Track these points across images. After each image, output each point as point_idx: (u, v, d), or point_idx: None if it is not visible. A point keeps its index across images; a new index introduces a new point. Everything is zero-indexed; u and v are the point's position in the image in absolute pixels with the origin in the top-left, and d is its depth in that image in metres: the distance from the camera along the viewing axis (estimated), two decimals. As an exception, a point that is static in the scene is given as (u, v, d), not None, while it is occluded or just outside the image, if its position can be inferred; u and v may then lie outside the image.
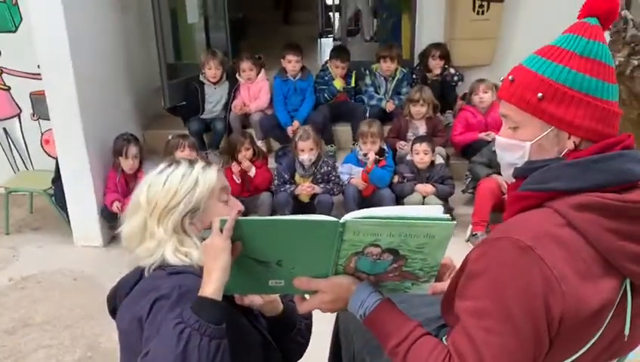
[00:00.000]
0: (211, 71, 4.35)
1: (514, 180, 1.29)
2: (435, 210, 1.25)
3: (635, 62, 4.13)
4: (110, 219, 3.79)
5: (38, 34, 3.39)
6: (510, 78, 1.23)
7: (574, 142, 1.19)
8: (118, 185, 3.82)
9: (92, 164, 3.67)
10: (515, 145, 1.24)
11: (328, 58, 4.59)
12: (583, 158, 1.15)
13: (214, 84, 4.41)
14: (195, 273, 1.30)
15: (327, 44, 8.71)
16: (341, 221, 1.18)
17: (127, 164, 3.78)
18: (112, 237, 3.93)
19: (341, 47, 4.74)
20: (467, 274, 1.17)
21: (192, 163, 1.45)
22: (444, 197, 3.79)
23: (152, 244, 1.36)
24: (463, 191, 4.06)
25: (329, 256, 1.26)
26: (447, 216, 1.23)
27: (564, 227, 1.11)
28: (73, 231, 3.84)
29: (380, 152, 3.78)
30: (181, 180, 1.39)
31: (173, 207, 1.36)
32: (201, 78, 4.42)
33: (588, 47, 1.17)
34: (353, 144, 4.45)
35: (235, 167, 3.77)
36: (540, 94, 1.16)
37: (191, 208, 1.38)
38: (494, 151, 3.85)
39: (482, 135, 4.12)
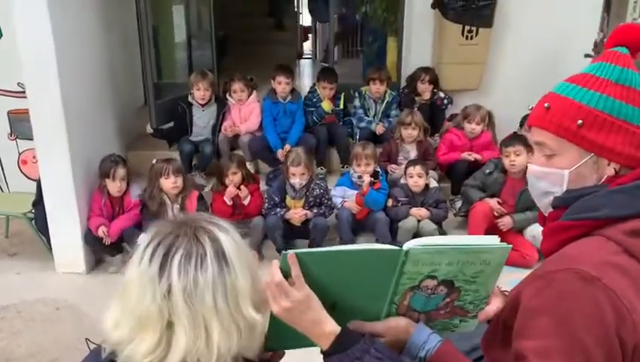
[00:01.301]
0: (200, 92, 4.24)
1: (550, 209, 1.27)
2: (490, 238, 1.23)
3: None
4: (95, 244, 3.64)
5: (24, 51, 3.25)
6: (546, 105, 1.21)
7: (614, 168, 1.18)
8: (103, 208, 3.68)
9: (77, 186, 3.52)
10: (553, 174, 1.23)
11: (316, 80, 4.56)
12: (628, 185, 1.14)
13: (202, 105, 4.30)
14: None
15: (305, 64, 8.78)
16: (404, 249, 1.13)
17: (115, 187, 3.65)
18: (95, 264, 3.78)
19: (329, 68, 4.72)
20: (526, 311, 1.12)
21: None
22: (438, 221, 3.78)
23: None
24: (455, 215, 4.06)
25: (386, 291, 1.20)
26: (503, 243, 1.20)
27: (621, 254, 1.08)
28: (55, 257, 3.66)
29: (375, 175, 3.75)
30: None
31: None
32: (190, 98, 4.31)
33: (622, 75, 1.17)
34: (342, 167, 4.42)
35: (229, 191, 3.67)
36: (579, 121, 1.16)
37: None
38: (487, 174, 3.90)
39: (464, 154, 4.14)
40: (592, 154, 1.18)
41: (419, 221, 3.71)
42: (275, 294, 1.13)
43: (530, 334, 1.09)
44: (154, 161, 3.69)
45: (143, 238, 1.12)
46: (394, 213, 3.75)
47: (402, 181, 3.87)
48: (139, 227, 3.65)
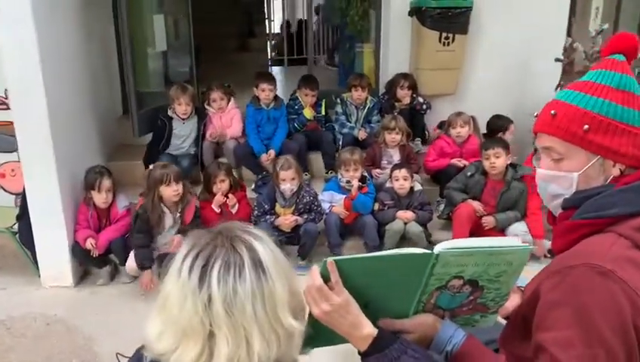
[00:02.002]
0: (182, 107, 4.18)
1: (560, 211, 1.35)
2: (513, 240, 1.31)
3: (589, 92, 4.42)
4: (82, 256, 3.59)
5: (9, 61, 3.19)
6: (552, 112, 1.30)
7: (620, 169, 1.27)
8: (90, 220, 3.63)
9: (63, 198, 3.46)
10: (562, 177, 1.31)
11: (297, 87, 4.61)
12: (635, 184, 1.23)
13: (184, 119, 4.27)
14: None
15: (277, 71, 8.81)
16: (435, 252, 1.19)
17: (101, 198, 3.61)
18: (81, 277, 3.72)
19: (310, 75, 4.77)
20: (545, 305, 1.19)
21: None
22: (423, 223, 3.87)
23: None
24: (439, 217, 4.16)
25: (415, 292, 1.26)
26: (526, 244, 1.28)
27: (633, 249, 1.16)
28: (41, 271, 3.59)
29: (362, 179, 3.82)
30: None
31: None
32: (170, 113, 4.24)
33: (622, 80, 1.27)
34: (327, 172, 4.47)
35: (217, 199, 3.67)
36: (586, 126, 1.24)
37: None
38: (469, 177, 4.01)
39: (454, 160, 4.25)
40: (599, 156, 1.26)
41: (405, 223, 3.80)
42: (315, 298, 1.19)
43: (550, 326, 1.16)
44: (151, 167, 3.63)
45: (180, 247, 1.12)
46: (381, 216, 3.83)
47: (388, 185, 3.95)
48: (127, 238, 3.62)
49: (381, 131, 4.20)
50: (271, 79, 4.39)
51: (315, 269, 1.20)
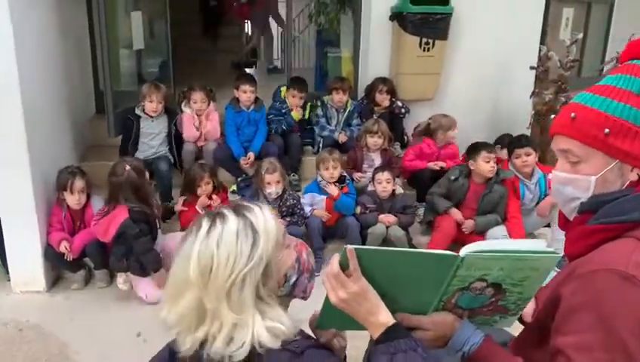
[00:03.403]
0: (153, 104, 4.06)
1: (575, 214, 1.33)
2: (539, 243, 1.28)
3: (563, 99, 4.55)
4: (56, 260, 3.46)
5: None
6: (572, 115, 1.28)
7: (638, 173, 1.26)
8: (63, 222, 3.50)
9: (37, 200, 3.33)
10: (579, 180, 1.29)
11: (286, 89, 4.54)
12: None
13: (152, 117, 4.14)
14: (311, 345, 1.17)
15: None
16: (461, 255, 1.17)
17: (73, 200, 3.47)
18: (54, 281, 3.58)
19: (299, 77, 4.72)
20: (566, 309, 1.18)
21: (237, 210, 1.20)
22: (405, 227, 3.88)
23: (226, 329, 1.11)
24: (420, 222, 4.17)
25: (437, 291, 1.24)
26: (552, 249, 1.26)
27: None
28: (11, 276, 3.43)
29: (341, 179, 3.82)
30: (238, 239, 1.14)
31: (242, 277, 1.12)
32: (137, 111, 4.10)
33: None
34: (289, 174, 4.40)
35: (202, 201, 3.60)
36: (607, 130, 1.23)
37: (262, 271, 1.15)
38: (452, 181, 4.03)
39: (431, 164, 4.28)
40: (617, 160, 1.24)
41: (387, 227, 3.79)
42: (333, 285, 1.20)
43: (570, 330, 1.14)
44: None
45: None
46: (363, 219, 3.82)
47: (370, 188, 3.95)
48: (101, 243, 3.49)
49: (363, 134, 4.20)
50: (252, 81, 4.33)
51: (335, 257, 1.20)
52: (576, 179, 1.29)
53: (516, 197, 3.86)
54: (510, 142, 4.10)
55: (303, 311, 1.34)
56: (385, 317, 1.19)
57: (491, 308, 1.33)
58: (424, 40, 4.49)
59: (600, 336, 1.10)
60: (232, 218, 1.17)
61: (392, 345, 1.14)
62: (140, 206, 3.29)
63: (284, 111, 4.43)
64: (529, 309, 1.43)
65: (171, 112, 4.27)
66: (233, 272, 1.11)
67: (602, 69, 5.77)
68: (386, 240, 3.82)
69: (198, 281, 1.12)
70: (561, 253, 1.26)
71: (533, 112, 4.73)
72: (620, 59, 1.40)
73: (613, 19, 6.45)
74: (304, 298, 1.41)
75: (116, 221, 3.27)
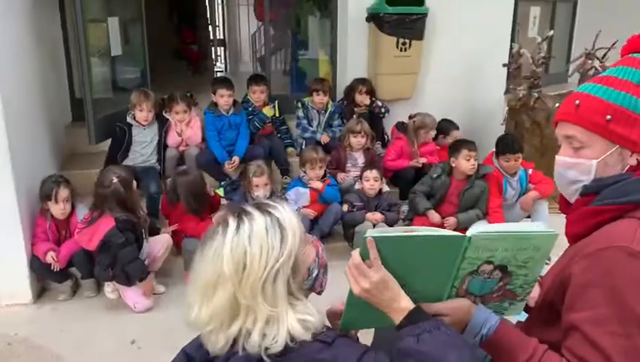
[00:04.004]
0: (143, 113, 4.03)
1: (577, 197, 1.41)
2: (539, 225, 1.36)
3: (536, 95, 4.69)
4: (42, 271, 3.40)
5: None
6: (577, 102, 1.36)
7: (637, 158, 1.34)
8: (48, 232, 3.44)
9: (21, 210, 3.26)
10: (581, 164, 1.37)
11: (247, 88, 4.57)
12: None
13: (144, 126, 4.11)
14: (340, 335, 1.21)
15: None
16: (468, 235, 1.23)
17: (58, 209, 3.42)
18: (40, 292, 3.51)
19: (257, 74, 4.77)
20: (577, 286, 1.24)
21: (260, 208, 1.24)
22: (391, 224, 3.94)
23: (260, 323, 1.15)
24: (403, 220, 4.24)
25: (449, 275, 1.30)
26: (552, 229, 1.33)
27: None
28: (-4, 289, 3.36)
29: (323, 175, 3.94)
30: (267, 235, 1.18)
31: (275, 272, 1.16)
32: (129, 119, 4.07)
33: None
34: (283, 178, 4.45)
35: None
36: (608, 117, 1.31)
37: (292, 265, 1.19)
38: (435, 178, 4.11)
39: (412, 162, 4.37)
40: (618, 146, 1.33)
41: (374, 225, 3.85)
42: (355, 276, 1.25)
43: (583, 306, 1.21)
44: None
45: None
46: (350, 218, 3.87)
47: (357, 186, 4.00)
48: (89, 252, 3.45)
49: (346, 134, 4.25)
50: (229, 85, 4.33)
51: (356, 249, 1.25)
52: (579, 163, 1.37)
53: (499, 193, 3.97)
54: (502, 145, 4.06)
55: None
56: (406, 303, 1.24)
57: (500, 294, 1.39)
58: (401, 40, 4.56)
59: (613, 310, 1.16)
60: (258, 215, 1.20)
61: (416, 326, 1.18)
62: (126, 214, 3.26)
63: (251, 109, 4.44)
64: (534, 294, 1.49)
65: (162, 119, 4.22)
66: (267, 266, 1.15)
67: (568, 67, 5.99)
68: (373, 238, 3.87)
69: (232, 277, 1.15)
70: (558, 233, 1.32)
71: (507, 108, 4.86)
72: (617, 53, 1.48)
73: (577, 17, 6.69)
74: (320, 292, 1.46)
75: (101, 229, 3.23)
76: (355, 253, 1.25)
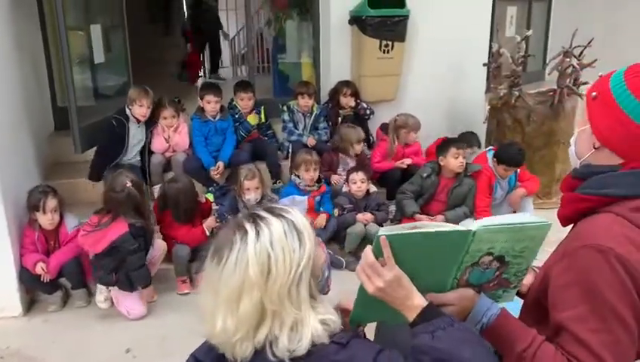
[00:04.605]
0: (142, 109, 4.00)
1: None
2: (535, 217, 1.41)
3: (516, 93, 4.78)
4: (32, 282, 3.35)
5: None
6: (593, 94, 1.38)
7: (594, 144, 1.37)
8: (37, 243, 3.39)
9: (9, 222, 3.21)
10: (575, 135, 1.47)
11: (233, 94, 4.57)
12: (638, 169, 1.32)
13: (139, 122, 4.09)
14: (353, 335, 1.22)
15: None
16: (472, 230, 1.27)
17: (46, 220, 3.37)
18: (29, 304, 3.46)
19: (243, 80, 4.77)
20: (557, 286, 1.29)
21: (273, 212, 1.24)
22: (381, 223, 3.97)
23: (287, 327, 1.15)
24: (391, 220, 4.28)
25: (453, 268, 1.34)
26: (545, 219, 1.38)
27: (628, 227, 1.26)
28: (-15, 303, 3.30)
29: (318, 179, 3.95)
30: (287, 238, 1.18)
31: (299, 274, 1.16)
32: (128, 112, 4.03)
33: None
34: (274, 182, 4.47)
35: (209, 224, 3.62)
36: (594, 93, 1.36)
37: (311, 267, 1.20)
38: (425, 178, 4.15)
39: (398, 163, 4.43)
40: (589, 125, 1.37)
41: (365, 225, 3.88)
42: (369, 275, 1.26)
43: (565, 306, 1.26)
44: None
45: None
46: (342, 220, 3.89)
47: (345, 189, 4.03)
48: (79, 261, 3.41)
49: (348, 145, 4.27)
50: (217, 91, 4.32)
51: (369, 248, 1.27)
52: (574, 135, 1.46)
53: (489, 193, 4.03)
54: (507, 158, 4.03)
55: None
56: (419, 300, 1.26)
57: (496, 282, 1.44)
58: (384, 42, 4.61)
59: (590, 307, 1.21)
60: (273, 219, 1.20)
61: (430, 324, 1.21)
62: (139, 221, 3.24)
63: (237, 116, 4.45)
64: (527, 281, 1.53)
65: (149, 120, 4.19)
66: (292, 270, 1.15)
67: (546, 65, 6.10)
68: (365, 239, 3.90)
69: (259, 282, 1.14)
70: (551, 223, 1.37)
71: (488, 107, 4.95)
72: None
73: (552, 16, 6.84)
74: (326, 292, 1.48)
75: (111, 234, 3.20)
76: (369, 252, 1.27)
